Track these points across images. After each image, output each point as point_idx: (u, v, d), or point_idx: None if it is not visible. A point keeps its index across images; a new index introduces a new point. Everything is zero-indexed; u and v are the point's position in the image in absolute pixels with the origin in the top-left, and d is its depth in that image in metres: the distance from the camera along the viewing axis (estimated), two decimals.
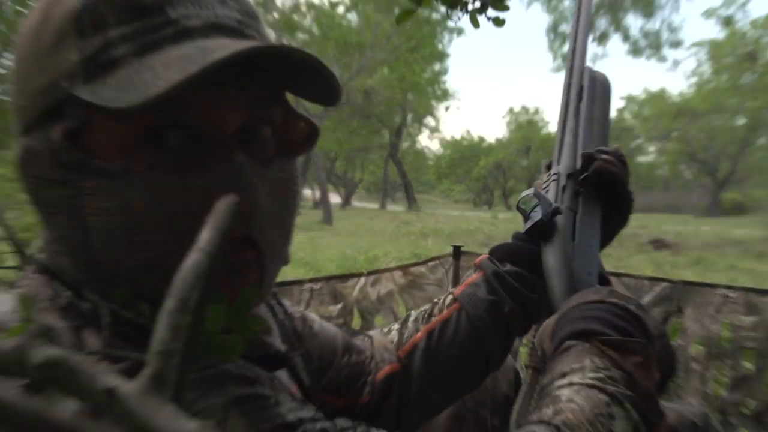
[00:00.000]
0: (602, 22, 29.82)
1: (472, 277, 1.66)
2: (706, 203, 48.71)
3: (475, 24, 1.54)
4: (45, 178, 1.04)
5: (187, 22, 1.03)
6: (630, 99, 57.89)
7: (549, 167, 1.70)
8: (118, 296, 1.05)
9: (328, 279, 3.09)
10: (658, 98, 47.62)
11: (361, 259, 14.04)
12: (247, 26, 1.10)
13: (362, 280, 3.44)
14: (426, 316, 1.68)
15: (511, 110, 71.30)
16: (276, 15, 33.66)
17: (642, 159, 50.39)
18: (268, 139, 1.15)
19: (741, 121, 41.76)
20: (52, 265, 1.11)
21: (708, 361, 2.85)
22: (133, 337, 0.98)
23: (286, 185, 1.16)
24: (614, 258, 16.29)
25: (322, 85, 1.11)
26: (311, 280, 3.05)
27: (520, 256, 1.62)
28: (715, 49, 43.00)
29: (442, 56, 41.95)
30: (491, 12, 1.54)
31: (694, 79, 49.05)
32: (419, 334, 1.64)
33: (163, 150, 1.03)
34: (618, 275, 3.07)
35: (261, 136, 1.13)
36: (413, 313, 1.79)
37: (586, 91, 1.75)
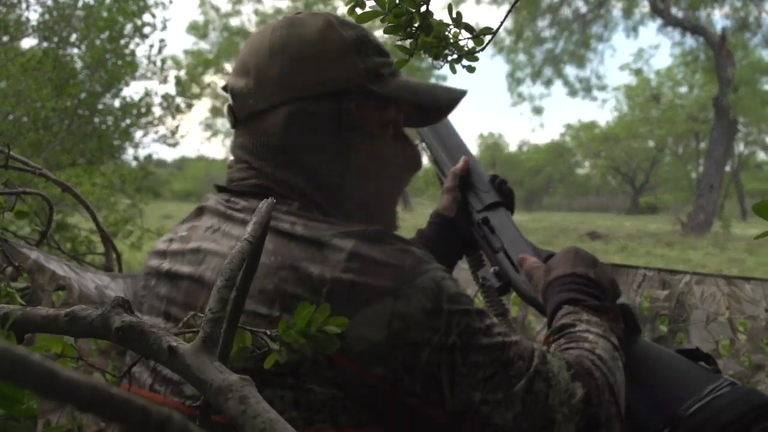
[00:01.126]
0: (547, 71, 30.50)
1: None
2: (627, 205, 49.08)
3: (453, 70, 1.36)
4: (312, 134, 1.26)
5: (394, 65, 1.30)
6: (569, 127, 58.48)
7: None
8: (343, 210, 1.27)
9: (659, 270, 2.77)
10: (589, 127, 48.84)
11: None
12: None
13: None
14: None
15: (481, 135, 73.03)
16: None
17: (580, 171, 51.05)
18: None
19: (651, 144, 43.17)
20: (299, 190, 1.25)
21: None
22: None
23: None
24: (560, 246, 16.27)
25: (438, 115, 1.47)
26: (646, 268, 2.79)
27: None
28: (629, 91, 44.61)
29: None
30: (465, 62, 1.33)
31: (615, 113, 50.18)
32: None
33: (386, 128, 1.33)
34: None
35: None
36: None
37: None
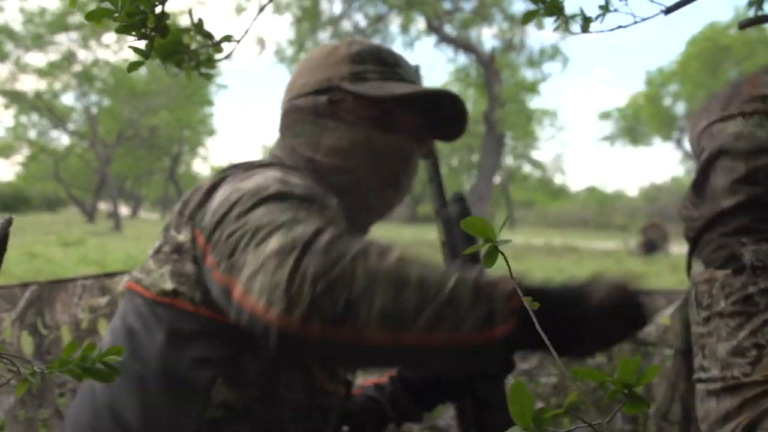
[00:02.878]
0: None
1: (381, 379, 1.68)
2: (406, 213, 49.50)
3: (188, 77, 1.38)
4: (299, 119, 1.53)
5: (404, 75, 1.56)
6: None
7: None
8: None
9: (97, 276, 2.43)
10: None
11: (143, 258, 15.55)
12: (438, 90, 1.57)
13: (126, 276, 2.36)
14: None
15: (264, 145, 72.05)
16: (77, 69, 33.93)
17: None
18: (421, 144, 1.58)
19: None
20: (289, 163, 1.50)
21: None
22: None
23: (417, 169, 1.61)
24: None
25: (453, 125, 1.61)
26: (84, 278, 2.42)
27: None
28: None
29: (210, 103, 42.57)
30: (204, 69, 1.40)
31: None
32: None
33: (373, 120, 1.52)
34: None
35: (419, 140, 1.57)
36: None
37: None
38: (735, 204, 1.02)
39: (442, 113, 1.60)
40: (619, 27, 2.25)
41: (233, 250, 1.18)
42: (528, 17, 2.03)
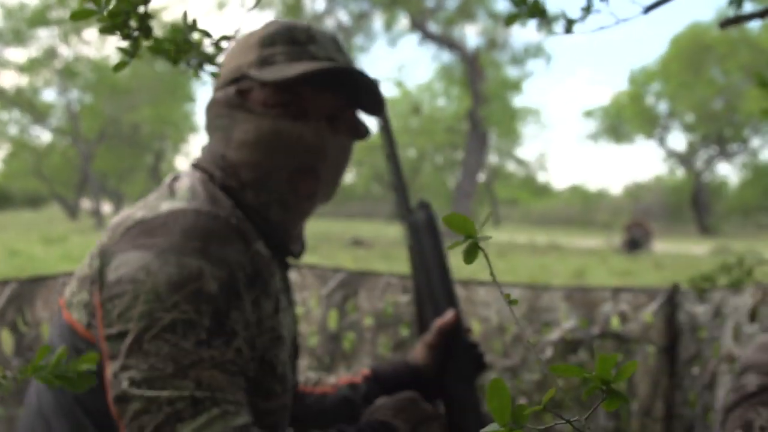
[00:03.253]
0: None
1: (355, 378, 1.69)
2: (389, 211, 47.67)
3: (196, 75, 1.34)
4: (217, 114, 1.46)
5: (316, 53, 1.45)
6: None
7: None
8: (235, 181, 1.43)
9: None
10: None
11: None
12: (347, 64, 1.50)
13: None
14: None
15: None
16: (58, 65, 33.80)
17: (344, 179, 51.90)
18: (341, 124, 1.48)
19: (412, 153, 43.50)
20: (202, 165, 1.47)
21: (377, 330, 2.71)
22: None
23: (343, 151, 1.50)
24: (323, 254, 16.52)
25: (373, 99, 1.51)
26: (65, 274, 2.28)
27: (395, 382, 1.63)
28: (391, 102, 44.27)
29: (192, 99, 41.81)
30: (209, 68, 1.38)
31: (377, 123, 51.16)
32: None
33: (283, 108, 1.41)
34: (309, 267, 2.83)
35: (338, 121, 1.48)
36: None
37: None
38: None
39: (359, 90, 1.50)
40: (601, 28, 2.27)
41: (126, 361, 1.18)
42: (511, 19, 2.04)
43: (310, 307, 2.81)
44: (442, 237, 1.67)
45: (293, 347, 1.47)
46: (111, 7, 1.14)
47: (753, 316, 2.63)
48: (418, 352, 1.66)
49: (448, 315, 1.60)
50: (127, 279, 1.19)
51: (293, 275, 2.78)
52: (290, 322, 1.44)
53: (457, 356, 1.57)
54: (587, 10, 2.17)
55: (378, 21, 29.90)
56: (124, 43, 1.20)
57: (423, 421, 1.37)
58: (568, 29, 2.19)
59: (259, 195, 1.42)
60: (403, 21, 29.81)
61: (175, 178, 1.43)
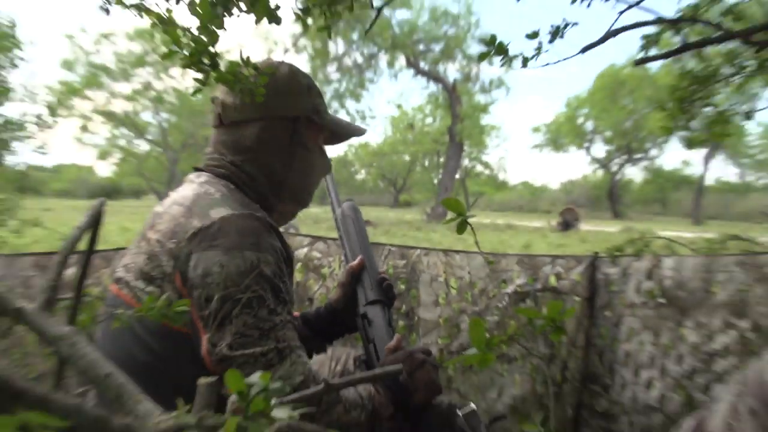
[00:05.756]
0: (334, 104, 30.38)
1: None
2: (391, 200, 49.86)
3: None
4: (279, 142, 1.35)
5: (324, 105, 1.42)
6: (350, 146, 57.40)
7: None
8: (283, 199, 1.37)
9: None
10: (364, 146, 47.53)
11: None
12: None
13: None
14: None
15: None
16: (153, 94, 33.68)
17: (358, 177, 50.48)
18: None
19: (407, 158, 43.69)
20: (223, 173, 1.33)
21: None
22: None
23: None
24: None
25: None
26: (390, 245, 2.75)
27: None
28: (393, 120, 44.48)
29: None
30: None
31: (383, 136, 48.37)
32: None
33: (322, 146, 1.43)
34: (333, 239, 2.72)
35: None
36: None
37: (343, 224, 1.60)
38: None
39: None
40: (548, 64, 2.31)
41: (222, 325, 1.14)
42: (483, 57, 2.08)
43: (333, 267, 2.77)
44: (363, 221, 1.62)
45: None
46: (190, 50, 1.16)
47: (649, 275, 2.66)
48: (334, 292, 1.59)
49: (356, 260, 1.54)
50: (207, 272, 1.15)
51: (320, 244, 2.80)
52: (293, 293, 1.39)
53: (368, 286, 1.49)
54: (539, 50, 2.20)
55: (383, 60, 30.10)
56: (199, 76, 1.20)
57: (418, 367, 1.32)
58: (524, 65, 2.23)
59: (290, 204, 1.40)
60: (402, 60, 30.04)
61: (206, 183, 1.31)
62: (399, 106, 46.02)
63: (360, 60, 30.40)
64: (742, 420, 0.69)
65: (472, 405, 1.37)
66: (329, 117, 1.43)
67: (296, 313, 1.58)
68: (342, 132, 1.46)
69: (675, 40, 2.77)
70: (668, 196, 46.64)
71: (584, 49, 2.11)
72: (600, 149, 43.25)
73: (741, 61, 3.07)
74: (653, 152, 42.08)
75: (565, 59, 2.11)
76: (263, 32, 28.37)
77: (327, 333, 1.58)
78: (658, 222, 30.53)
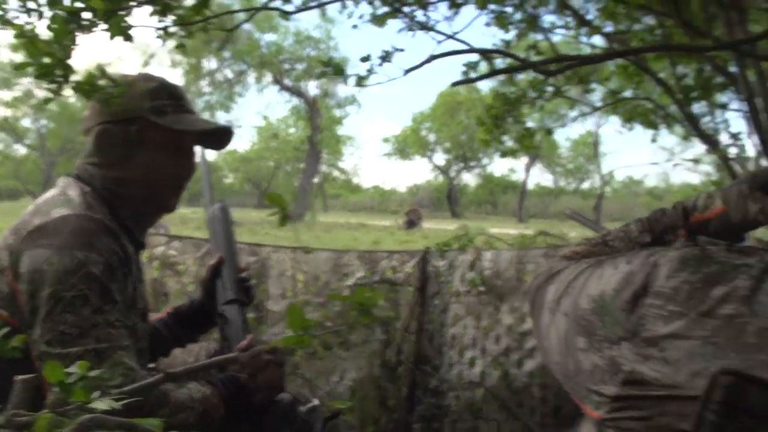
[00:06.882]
0: (205, 114, 27.45)
1: (162, 315, 1.49)
2: (256, 202, 47.05)
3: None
4: (114, 144, 1.26)
5: (189, 107, 1.33)
6: (219, 153, 54.78)
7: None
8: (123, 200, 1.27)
9: None
10: (232, 152, 45.33)
11: None
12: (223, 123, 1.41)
13: None
14: None
15: None
16: (33, 101, 31.50)
17: (226, 181, 48.17)
18: (193, 156, 1.36)
19: (271, 164, 43.00)
20: (84, 177, 1.27)
21: None
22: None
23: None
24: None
25: (223, 142, 1.39)
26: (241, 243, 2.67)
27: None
28: (259, 130, 43.93)
29: None
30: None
31: (250, 143, 49.68)
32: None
33: (173, 147, 1.30)
34: (188, 238, 2.67)
35: (193, 154, 1.36)
36: None
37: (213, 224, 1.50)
38: None
39: (214, 135, 1.40)
40: (378, 83, 2.36)
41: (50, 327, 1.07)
42: (320, 75, 2.09)
43: (189, 264, 2.67)
44: (232, 221, 1.56)
45: (146, 309, 1.36)
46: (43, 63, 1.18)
47: (471, 267, 2.75)
48: (198, 290, 1.53)
49: (215, 259, 1.46)
50: (36, 269, 1.10)
51: (176, 243, 2.69)
52: (143, 293, 1.33)
53: (227, 286, 1.43)
54: (370, 71, 2.25)
55: (251, 76, 30.93)
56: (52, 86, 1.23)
57: (262, 368, 1.25)
58: (359, 83, 2.28)
59: (144, 205, 1.31)
60: (269, 77, 30.60)
61: (67, 186, 1.26)
62: (265, 117, 45.97)
63: (231, 75, 30.78)
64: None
65: (315, 401, 1.34)
66: (174, 118, 1.31)
67: (169, 309, 1.52)
68: (192, 129, 1.33)
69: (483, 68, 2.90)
70: (498, 198, 49.32)
71: (407, 71, 2.21)
72: (441, 158, 44.88)
73: (542, 87, 3.33)
74: (485, 161, 44.31)
75: (392, 79, 2.21)
76: (142, 46, 27.40)
77: (193, 328, 1.51)
78: (489, 221, 32.21)
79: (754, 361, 0.53)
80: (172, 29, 1.96)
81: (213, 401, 1.17)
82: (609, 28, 3.62)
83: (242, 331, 1.35)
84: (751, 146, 3.63)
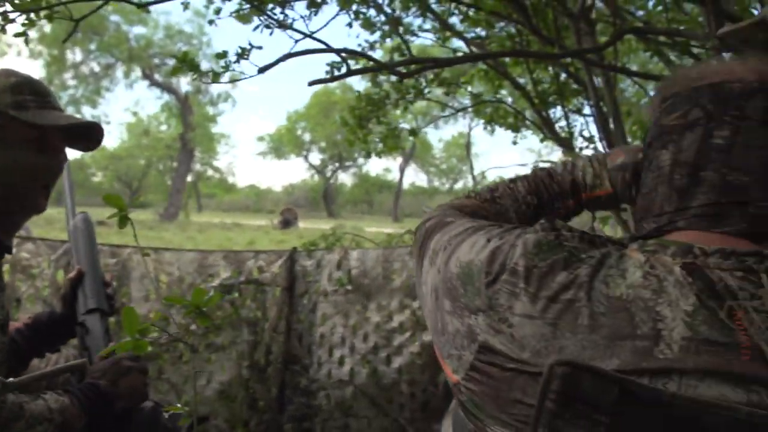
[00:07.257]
0: (70, 109, 26.69)
1: (19, 324, 1.39)
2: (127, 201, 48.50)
3: None
4: None
5: (55, 103, 1.23)
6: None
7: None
8: None
9: None
10: (101, 150, 40.67)
11: None
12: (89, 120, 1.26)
13: None
14: None
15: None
16: None
17: (94, 179, 44.36)
18: (63, 154, 1.23)
19: (142, 162, 40.97)
20: None
21: None
22: None
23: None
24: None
25: (93, 141, 1.27)
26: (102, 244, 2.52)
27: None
28: (130, 126, 41.70)
29: None
30: None
31: (119, 141, 47.81)
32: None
33: (36, 143, 1.18)
34: (42, 239, 2.61)
35: (63, 152, 1.23)
36: None
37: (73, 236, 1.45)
38: None
39: (84, 133, 1.28)
40: (236, 80, 2.29)
41: None
42: (174, 71, 1.98)
43: (43, 267, 2.55)
44: (94, 232, 1.50)
45: (6, 319, 1.22)
46: None
47: (339, 266, 2.74)
48: (58, 304, 1.46)
49: (74, 272, 1.40)
50: None
51: (29, 245, 2.54)
52: (4, 302, 1.20)
53: (89, 295, 1.37)
54: (225, 68, 2.17)
55: (120, 70, 29.32)
56: None
57: (123, 374, 1.19)
58: (214, 80, 2.20)
59: (6, 205, 1.18)
60: (138, 71, 29.51)
61: None
62: (135, 114, 43.78)
63: (97, 69, 29.27)
64: None
65: (178, 405, 1.27)
66: (36, 113, 1.19)
67: (27, 320, 1.41)
68: (56, 124, 1.20)
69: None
70: (374, 197, 50.09)
71: (261, 69, 2.16)
72: (316, 157, 44.87)
73: (406, 88, 3.40)
74: (360, 160, 44.83)
75: (245, 77, 2.17)
76: None
77: (53, 339, 1.41)
78: (365, 220, 32.63)
79: (588, 341, 0.57)
80: (13, 15, 1.78)
81: (72, 411, 1.10)
82: (471, 34, 3.76)
83: (103, 340, 1.30)
84: (601, 149, 3.91)
